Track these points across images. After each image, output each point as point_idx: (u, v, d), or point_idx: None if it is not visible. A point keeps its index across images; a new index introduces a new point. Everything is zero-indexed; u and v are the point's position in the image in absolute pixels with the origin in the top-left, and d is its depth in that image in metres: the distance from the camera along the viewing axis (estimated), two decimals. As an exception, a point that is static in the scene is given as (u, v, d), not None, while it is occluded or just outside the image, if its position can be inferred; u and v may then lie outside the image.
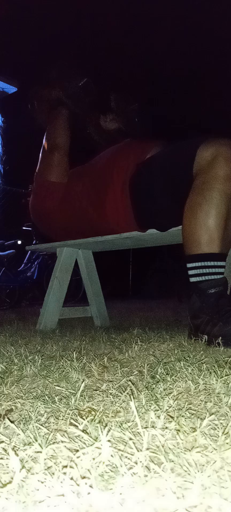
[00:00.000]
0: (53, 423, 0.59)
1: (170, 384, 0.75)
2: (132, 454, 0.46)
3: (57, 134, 1.88)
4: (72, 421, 0.58)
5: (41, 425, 0.57)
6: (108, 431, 0.52)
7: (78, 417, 0.60)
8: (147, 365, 0.92)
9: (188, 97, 6.50)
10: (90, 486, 0.39)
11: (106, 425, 0.56)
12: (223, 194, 1.27)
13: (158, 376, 0.81)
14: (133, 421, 0.57)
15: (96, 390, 0.75)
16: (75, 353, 1.07)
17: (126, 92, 1.91)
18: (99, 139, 1.95)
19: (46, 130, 1.94)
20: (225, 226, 1.29)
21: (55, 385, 0.79)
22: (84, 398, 0.70)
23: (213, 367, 0.86)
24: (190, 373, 0.81)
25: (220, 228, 1.28)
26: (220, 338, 1.17)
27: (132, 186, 1.58)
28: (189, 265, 1.33)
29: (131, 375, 0.85)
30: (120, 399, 0.68)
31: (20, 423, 0.58)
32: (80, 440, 0.50)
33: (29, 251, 5.51)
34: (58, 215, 1.85)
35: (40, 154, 1.95)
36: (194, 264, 1.32)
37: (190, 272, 1.33)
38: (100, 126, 1.95)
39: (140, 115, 1.90)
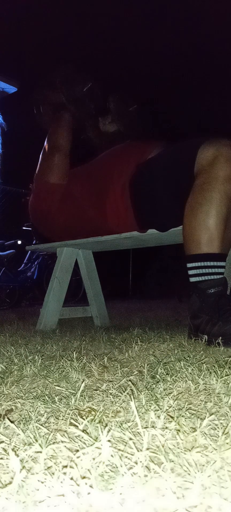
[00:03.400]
0: (53, 423, 0.59)
1: (170, 384, 0.75)
2: (132, 454, 0.46)
3: (58, 136, 1.89)
4: (72, 421, 0.58)
5: (41, 425, 0.57)
6: (109, 431, 0.52)
7: (78, 417, 0.60)
8: (147, 365, 0.92)
9: (188, 97, 6.51)
10: (90, 486, 0.39)
11: (106, 425, 0.56)
12: (223, 195, 1.28)
13: (158, 376, 0.81)
14: (133, 421, 0.57)
15: (96, 390, 0.75)
16: (75, 353, 1.07)
17: (125, 93, 1.91)
18: (99, 142, 1.96)
19: (48, 132, 1.95)
20: (225, 226, 1.30)
21: (55, 385, 0.79)
22: (84, 398, 0.70)
23: (213, 367, 0.86)
24: (190, 373, 0.81)
25: (220, 228, 1.28)
26: (220, 338, 1.17)
27: (132, 187, 1.58)
28: (189, 265, 1.33)
29: (131, 375, 0.85)
30: (120, 399, 0.68)
31: (20, 423, 0.58)
32: (80, 440, 0.50)
33: (29, 251, 5.51)
34: (57, 216, 1.85)
35: (40, 156, 1.95)
36: (193, 264, 1.32)
37: (190, 272, 1.33)
38: (100, 129, 1.95)
39: (139, 117, 1.90)
